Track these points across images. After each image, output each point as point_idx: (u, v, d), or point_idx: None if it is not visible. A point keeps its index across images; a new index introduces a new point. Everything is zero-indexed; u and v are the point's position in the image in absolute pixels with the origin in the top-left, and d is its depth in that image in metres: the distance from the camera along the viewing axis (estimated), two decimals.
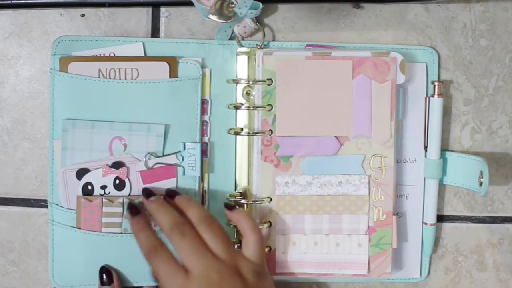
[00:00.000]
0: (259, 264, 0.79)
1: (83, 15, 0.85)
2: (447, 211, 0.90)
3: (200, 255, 0.76)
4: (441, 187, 0.88)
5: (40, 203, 0.88)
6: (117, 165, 0.83)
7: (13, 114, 0.87)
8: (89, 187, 0.83)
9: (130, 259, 0.84)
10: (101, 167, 0.83)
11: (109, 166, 0.82)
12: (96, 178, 0.83)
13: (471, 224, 0.90)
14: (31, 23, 0.86)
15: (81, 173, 0.83)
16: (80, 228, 0.83)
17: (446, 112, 0.87)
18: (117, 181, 0.83)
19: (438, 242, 0.90)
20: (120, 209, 0.83)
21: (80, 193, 0.83)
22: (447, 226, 0.90)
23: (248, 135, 0.84)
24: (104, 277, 0.83)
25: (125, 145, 0.83)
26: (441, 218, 0.89)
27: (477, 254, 0.91)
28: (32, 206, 0.88)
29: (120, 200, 0.83)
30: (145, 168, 0.83)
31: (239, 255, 0.78)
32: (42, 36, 0.86)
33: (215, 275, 0.75)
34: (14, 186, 0.88)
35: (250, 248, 0.79)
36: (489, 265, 0.91)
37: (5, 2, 0.84)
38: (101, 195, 0.83)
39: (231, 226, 0.84)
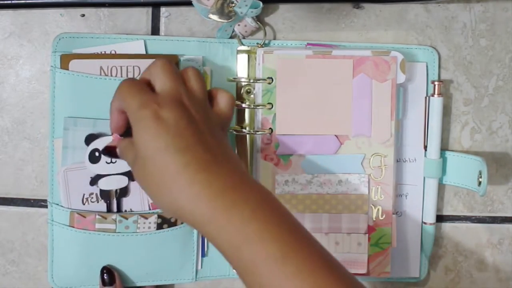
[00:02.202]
0: (227, 122, 0.79)
1: (83, 15, 0.85)
2: (447, 211, 0.90)
3: (176, 79, 0.74)
4: (441, 187, 0.88)
5: (40, 203, 0.88)
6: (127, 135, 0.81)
7: (13, 114, 0.87)
8: (96, 153, 0.82)
9: (131, 259, 0.84)
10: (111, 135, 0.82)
11: (119, 135, 0.80)
12: (104, 144, 0.82)
13: (471, 224, 0.90)
14: (31, 23, 0.86)
15: (90, 138, 0.82)
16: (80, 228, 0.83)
17: (446, 112, 0.87)
18: None
19: (437, 242, 0.90)
20: (113, 226, 0.83)
21: (87, 159, 0.82)
22: (447, 226, 0.90)
23: (248, 134, 0.84)
24: (106, 277, 0.83)
25: None
26: (441, 218, 0.89)
27: (477, 254, 0.91)
28: (32, 206, 0.88)
29: (114, 217, 0.83)
30: None
31: (209, 105, 0.77)
32: (42, 36, 0.86)
33: (186, 98, 0.73)
34: (14, 186, 0.88)
35: (222, 104, 0.78)
36: (489, 265, 0.91)
37: (5, 2, 0.84)
38: (107, 163, 0.83)
39: None
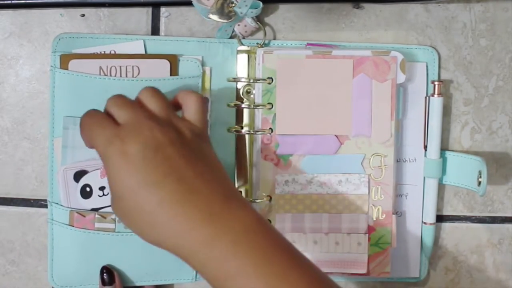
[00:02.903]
0: (200, 128, 0.74)
1: (83, 15, 0.85)
2: (447, 211, 0.90)
3: (132, 107, 0.71)
4: (441, 187, 0.88)
5: (40, 203, 0.88)
6: None
7: (13, 114, 0.87)
8: (88, 188, 0.83)
9: (130, 258, 0.84)
10: (99, 168, 0.82)
11: None
12: (94, 179, 0.83)
13: (471, 224, 0.90)
14: (31, 23, 0.86)
15: (78, 175, 0.82)
16: (79, 228, 0.83)
17: (446, 112, 0.87)
18: None
19: (438, 242, 0.90)
20: (112, 225, 0.83)
21: (79, 195, 0.83)
22: (447, 226, 0.90)
23: (248, 134, 0.84)
24: (105, 276, 0.83)
25: None
26: (441, 218, 0.89)
27: (477, 254, 0.91)
28: (32, 206, 0.88)
29: (113, 216, 0.83)
30: None
31: (177, 117, 0.74)
32: (42, 36, 0.86)
33: (148, 123, 0.69)
34: (14, 186, 0.88)
35: (191, 110, 0.75)
36: (489, 265, 0.91)
37: (5, 2, 0.84)
38: (99, 196, 0.83)
39: None
